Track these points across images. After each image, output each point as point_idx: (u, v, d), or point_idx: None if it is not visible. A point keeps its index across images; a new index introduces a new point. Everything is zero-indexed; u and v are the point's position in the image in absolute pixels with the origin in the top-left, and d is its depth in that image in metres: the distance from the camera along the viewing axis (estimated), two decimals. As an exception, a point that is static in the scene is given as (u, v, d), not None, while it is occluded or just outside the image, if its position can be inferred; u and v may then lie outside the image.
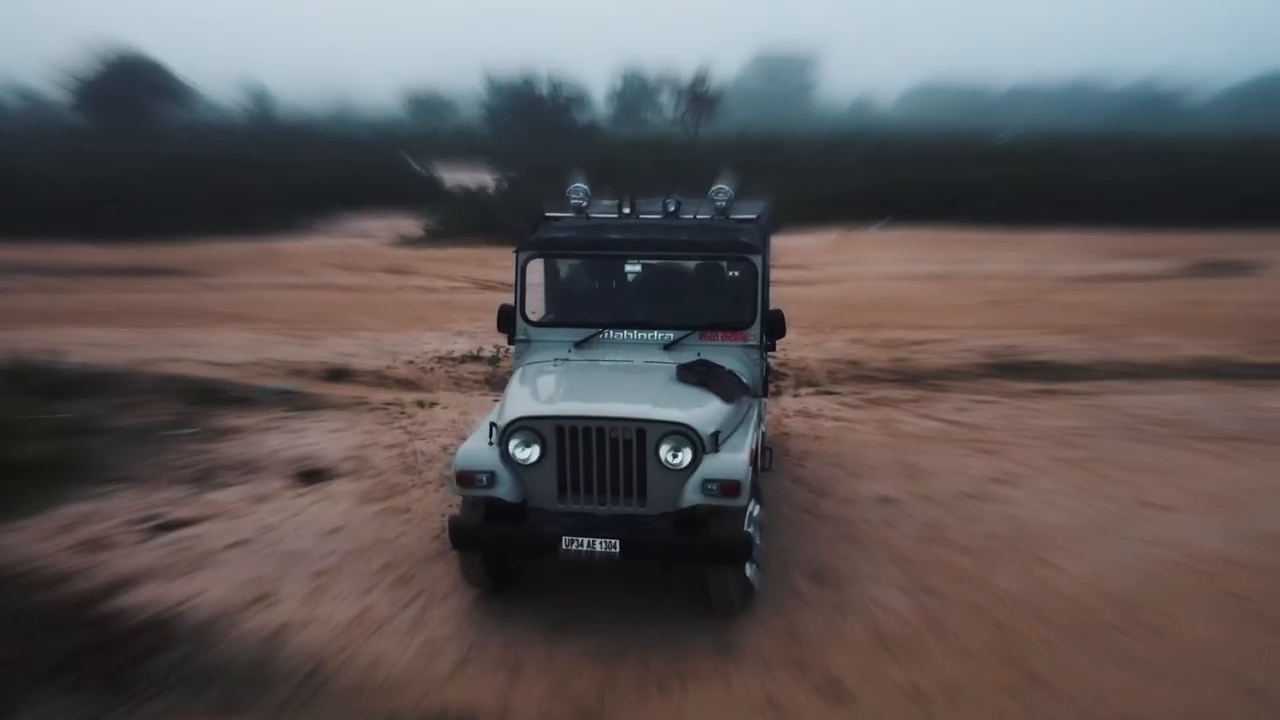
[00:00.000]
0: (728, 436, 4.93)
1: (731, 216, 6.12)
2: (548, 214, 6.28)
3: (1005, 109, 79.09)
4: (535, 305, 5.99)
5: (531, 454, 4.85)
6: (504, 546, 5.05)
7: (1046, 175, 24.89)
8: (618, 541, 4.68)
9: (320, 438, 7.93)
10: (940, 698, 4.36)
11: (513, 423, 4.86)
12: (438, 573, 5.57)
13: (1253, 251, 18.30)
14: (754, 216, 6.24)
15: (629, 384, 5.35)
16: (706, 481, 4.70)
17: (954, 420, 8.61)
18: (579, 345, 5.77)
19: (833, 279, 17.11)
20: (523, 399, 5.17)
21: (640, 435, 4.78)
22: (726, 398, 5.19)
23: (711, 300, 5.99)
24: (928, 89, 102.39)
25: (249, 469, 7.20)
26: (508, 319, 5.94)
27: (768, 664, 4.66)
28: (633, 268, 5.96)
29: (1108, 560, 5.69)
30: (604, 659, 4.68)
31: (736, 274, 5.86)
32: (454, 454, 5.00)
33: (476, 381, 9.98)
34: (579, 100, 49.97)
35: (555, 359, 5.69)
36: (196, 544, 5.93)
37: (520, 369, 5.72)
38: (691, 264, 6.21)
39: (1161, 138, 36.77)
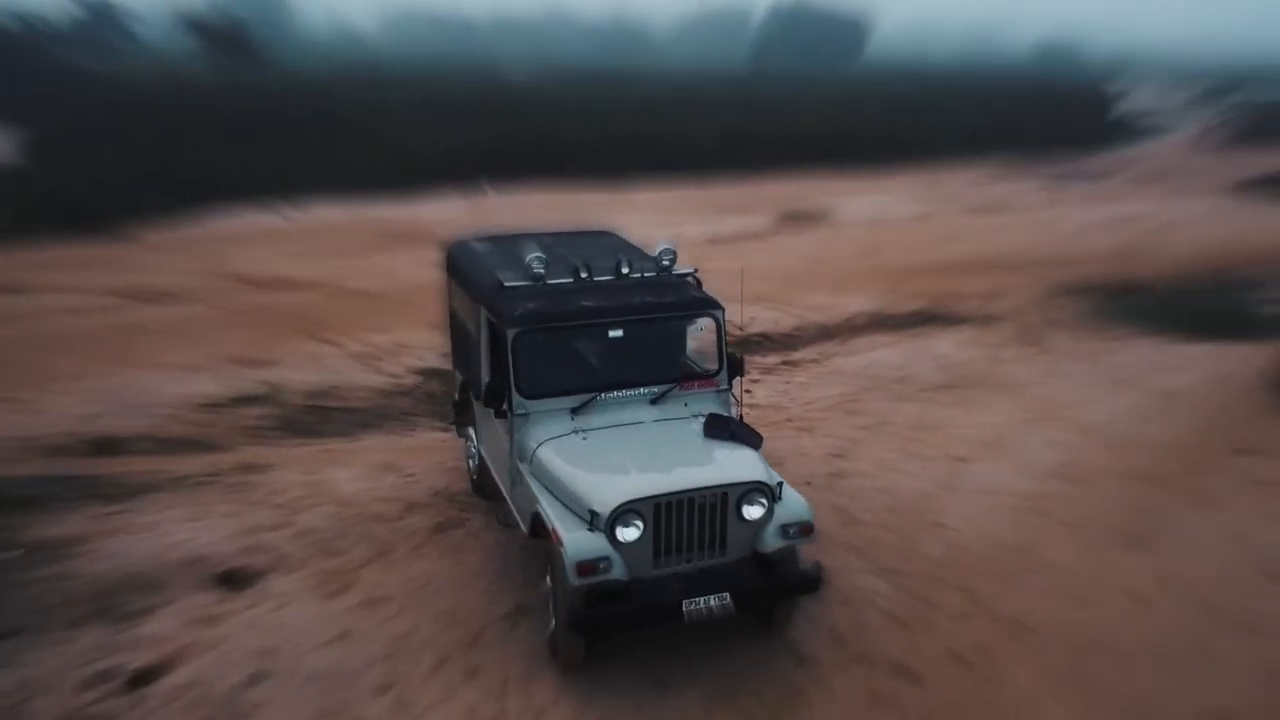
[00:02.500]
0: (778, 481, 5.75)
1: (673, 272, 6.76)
2: (505, 284, 6.37)
3: (490, 40, 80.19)
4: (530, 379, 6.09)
5: (634, 533, 5.26)
6: (634, 622, 5.41)
7: (640, 126, 26.98)
8: (728, 594, 5.33)
9: (183, 532, 7.06)
10: (976, 658, 5.73)
11: (619, 509, 5.21)
12: (498, 654, 5.70)
13: (812, 198, 22.16)
14: (691, 270, 6.92)
15: (681, 449, 5.87)
16: (785, 526, 5.52)
17: (746, 403, 10.04)
18: (575, 411, 6.09)
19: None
20: (604, 482, 5.42)
21: (723, 497, 5.43)
22: (754, 445, 5.98)
23: (681, 353, 6.63)
24: (408, 16, 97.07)
25: (148, 586, 6.30)
26: (494, 394, 6.03)
27: (842, 664, 5.67)
28: (616, 332, 6.35)
29: (973, 514, 7.49)
30: (724, 703, 5.34)
31: (702, 327, 6.55)
32: (564, 549, 5.19)
33: (274, 429, 9.28)
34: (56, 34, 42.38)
35: (575, 430, 5.95)
36: (208, 691, 5.32)
37: (548, 446, 5.84)
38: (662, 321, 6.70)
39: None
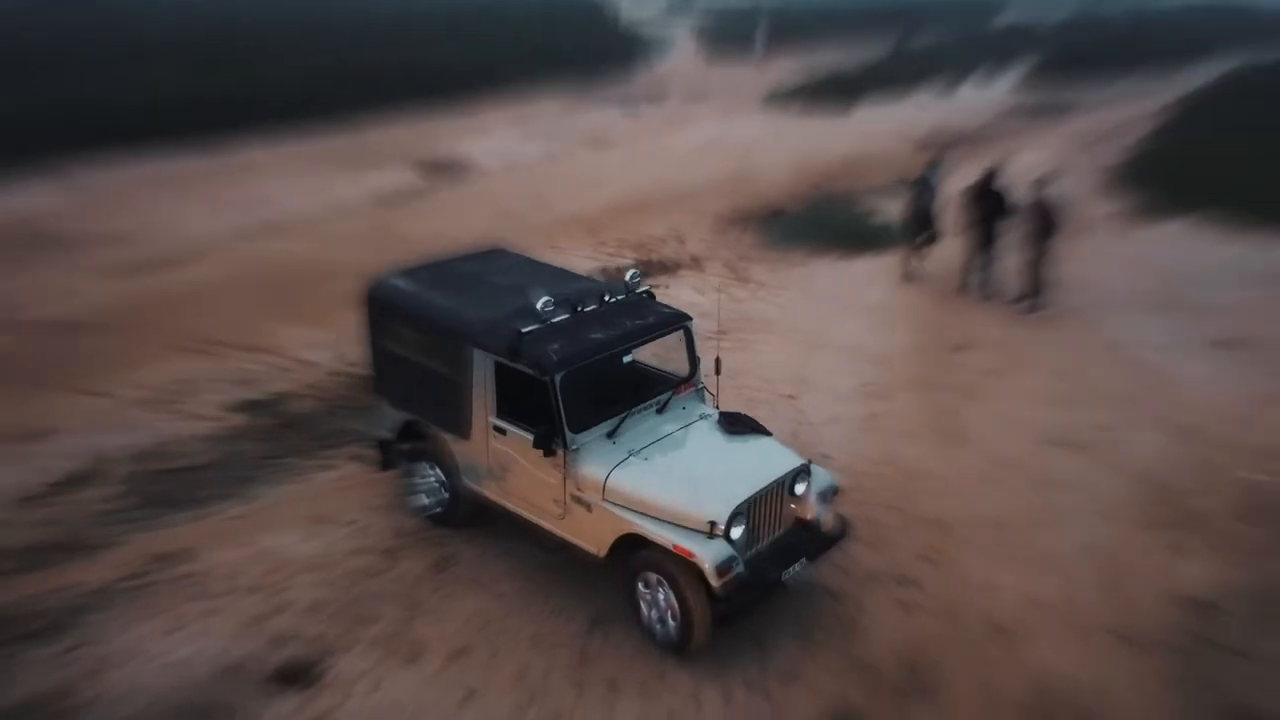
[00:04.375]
0: None
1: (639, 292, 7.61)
2: (524, 330, 6.77)
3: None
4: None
5: (741, 531, 6.33)
6: (760, 603, 6.44)
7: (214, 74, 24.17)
8: (804, 558, 6.66)
9: (181, 647, 6.45)
10: (938, 556, 7.68)
11: (733, 515, 6.22)
12: (615, 663, 6.45)
13: (432, 144, 22.07)
14: (649, 288, 7.78)
15: (731, 450, 6.87)
16: (821, 493, 6.93)
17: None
18: (611, 434, 6.85)
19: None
20: (703, 495, 6.28)
21: (782, 484, 6.69)
22: (768, 433, 7.22)
23: (663, 364, 7.54)
24: None
25: (215, 711, 5.99)
26: (545, 437, 6.54)
27: (862, 585, 7.28)
28: (629, 357, 7.09)
29: (840, 441, 9.41)
30: (814, 643, 6.71)
31: (680, 338, 7.50)
32: (703, 561, 6.07)
33: (134, 508, 8.32)
34: None
35: (629, 454, 6.67)
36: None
37: (620, 474, 6.43)
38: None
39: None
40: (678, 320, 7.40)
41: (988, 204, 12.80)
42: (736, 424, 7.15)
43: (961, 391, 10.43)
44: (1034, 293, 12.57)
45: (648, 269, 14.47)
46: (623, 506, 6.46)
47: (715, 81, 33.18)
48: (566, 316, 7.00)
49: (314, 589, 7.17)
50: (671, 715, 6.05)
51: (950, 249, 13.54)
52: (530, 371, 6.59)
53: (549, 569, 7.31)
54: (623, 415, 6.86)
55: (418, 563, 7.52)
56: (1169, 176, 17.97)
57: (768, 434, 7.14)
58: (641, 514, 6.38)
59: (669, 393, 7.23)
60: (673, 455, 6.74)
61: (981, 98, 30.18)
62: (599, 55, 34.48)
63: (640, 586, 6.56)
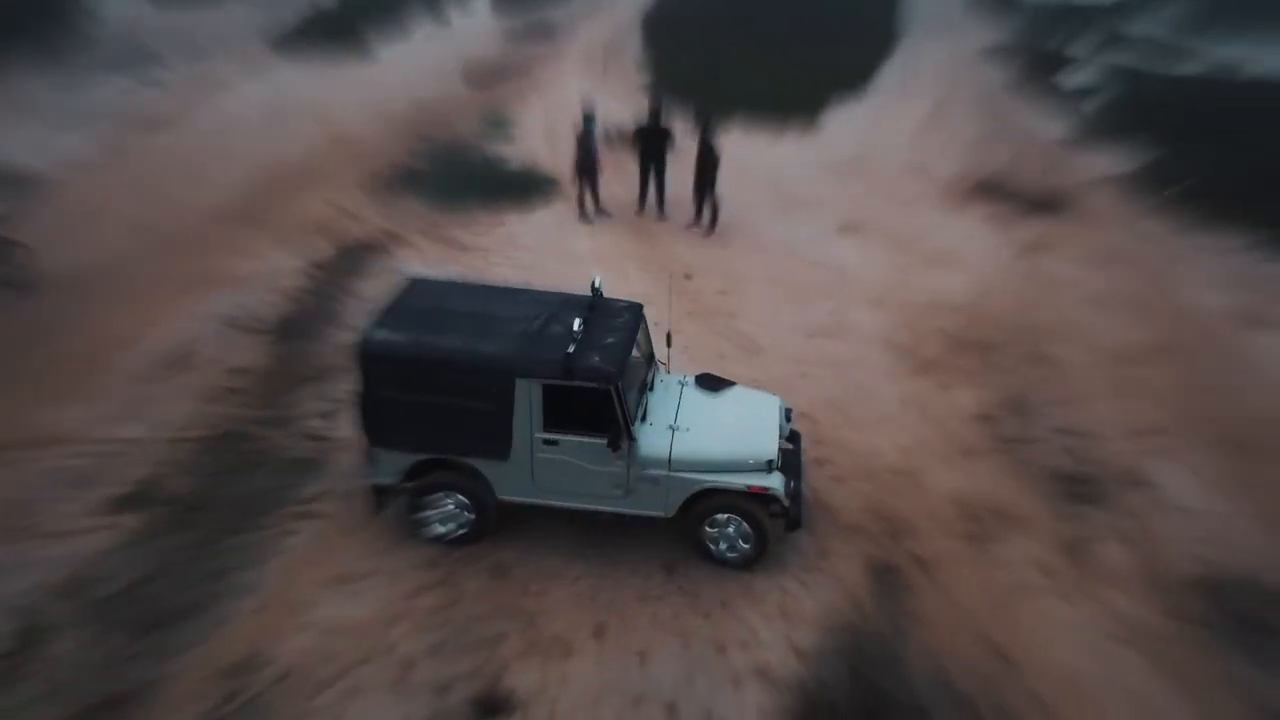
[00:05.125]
0: None
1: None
2: (570, 352, 7.82)
3: None
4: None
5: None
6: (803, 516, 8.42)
7: None
8: (799, 468, 8.85)
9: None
10: (900, 479, 10.34)
11: (778, 454, 8.20)
12: (708, 582, 8.22)
13: None
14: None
15: (730, 404, 8.60)
16: (791, 429, 9.12)
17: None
18: (643, 417, 8.34)
19: None
20: (750, 444, 8.08)
21: (786, 420, 8.79)
22: (732, 381, 9.11)
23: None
24: None
25: None
26: (615, 439, 7.85)
27: (844, 531, 9.69)
28: (635, 354, 8.41)
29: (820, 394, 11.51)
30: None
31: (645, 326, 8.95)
32: (775, 489, 7.98)
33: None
34: None
35: (670, 428, 8.18)
36: None
37: (679, 446, 8.00)
38: None
39: None
40: (639, 308, 8.86)
41: (654, 138, 15.37)
42: (713, 382, 8.95)
43: (722, 313, 12.98)
44: (708, 215, 15.39)
45: (358, 254, 14.61)
46: (689, 471, 8.03)
47: (192, 31, 30.56)
48: (579, 330, 8.11)
49: (417, 638, 7.65)
50: (781, 606, 7.98)
51: (613, 184, 15.77)
52: (590, 385, 7.72)
53: (589, 545, 8.54)
54: (644, 401, 8.30)
55: (478, 579, 8.27)
56: (697, 85, 21.57)
57: (734, 383, 9.05)
58: (706, 472, 8.02)
59: (654, 371, 8.75)
60: (700, 421, 8.38)
61: (475, 25, 31.98)
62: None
63: (707, 529, 8.23)
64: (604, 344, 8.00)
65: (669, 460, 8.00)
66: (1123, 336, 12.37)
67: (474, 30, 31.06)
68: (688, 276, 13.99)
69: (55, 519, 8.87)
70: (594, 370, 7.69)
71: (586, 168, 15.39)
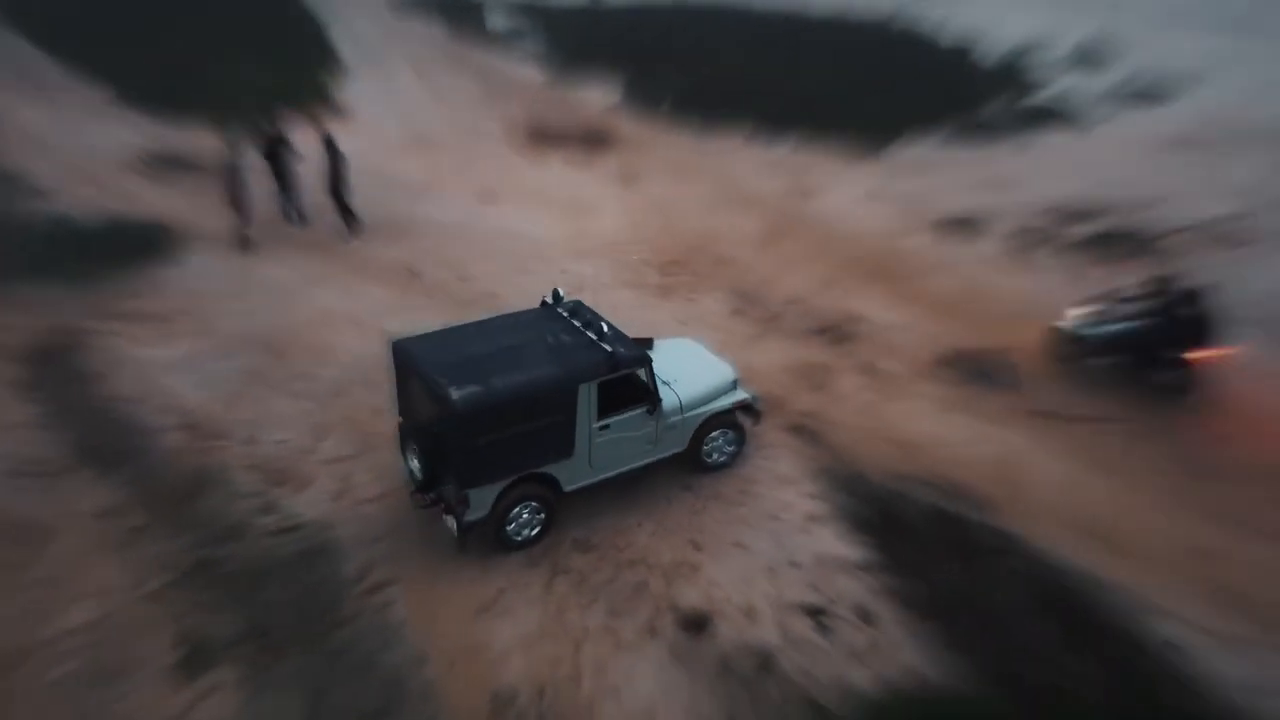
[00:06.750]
0: None
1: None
2: (611, 351, 9.68)
3: None
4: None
5: (731, 375, 11.18)
6: None
7: None
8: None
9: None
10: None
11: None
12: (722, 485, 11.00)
13: None
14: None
15: (673, 350, 10.97)
16: None
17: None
18: None
19: None
20: (717, 373, 10.72)
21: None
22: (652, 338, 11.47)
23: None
24: None
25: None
26: (653, 405, 10.04)
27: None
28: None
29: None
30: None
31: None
32: (754, 398, 10.87)
33: None
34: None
35: (666, 383, 10.46)
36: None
37: (688, 395, 10.32)
38: None
39: None
40: (581, 303, 10.77)
41: (281, 153, 15.87)
42: (645, 342, 11.24)
43: (484, 295, 14.45)
44: (349, 219, 16.26)
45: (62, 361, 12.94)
46: (695, 409, 10.54)
47: None
48: (590, 332, 9.96)
49: (589, 613, 9.16)
50: (776, 476, 11.02)
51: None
52: (633, 369, 9.77)
53: (620, 503, 10.41)
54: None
55: (576, 556, 9.78)
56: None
57: (653, 339, 11.39)
58: (704, 405, 10.60)
59: None
60: (673, 371, 10.66)
61: None
62: None
63: (704, 447, 10.84)
64: (613, 336, 9.93)
65: (682, 407, 10.36)
66: (748, 228, 16.92)
67: None
68: (414, 273, 15.14)
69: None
70: (633, 358, 9.68)
71: (237, 197, 15.22)
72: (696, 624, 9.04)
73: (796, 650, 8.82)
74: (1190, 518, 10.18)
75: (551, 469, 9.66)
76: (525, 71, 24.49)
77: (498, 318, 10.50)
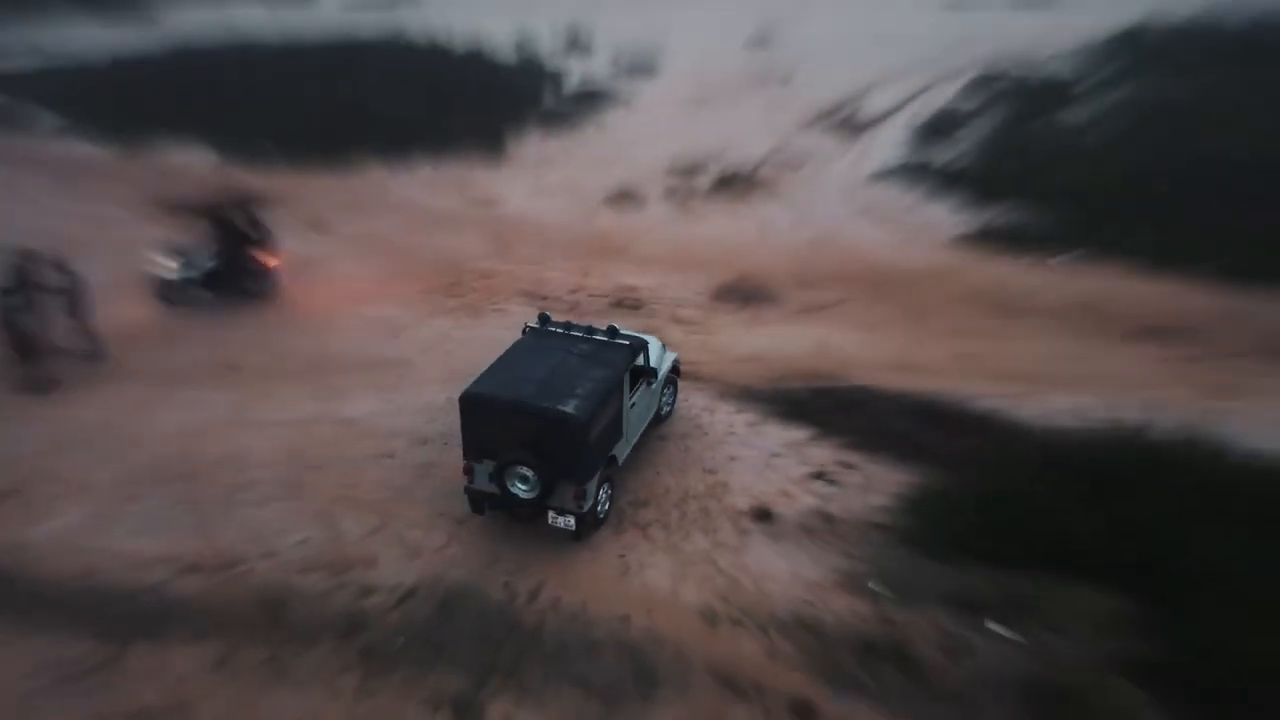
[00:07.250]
0: None
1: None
2: (626, 334, 12.07)
3: None
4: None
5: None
6: None
7: None
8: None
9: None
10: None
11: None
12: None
13: None
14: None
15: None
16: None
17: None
18: None
19: None
20: (656, 346, 13.50)
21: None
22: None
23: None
24: None
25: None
26: (652, 377, 12.70)
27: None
28: None
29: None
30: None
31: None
32: (677, 358, 13.84)
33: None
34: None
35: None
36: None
37: (663, 365, 13.02)
38: None
39: None
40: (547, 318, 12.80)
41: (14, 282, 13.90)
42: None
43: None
44: (91, 345, 14.81)
45: None
46: (660, 374, 13.27)
47: None
48: (602, 335, 12.23)
49: (694, 540, 11.82)
50: (704, 407, 14.15)
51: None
52: (643, 352, 12.32)
53: (631, 461, 12.90)
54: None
55: (639, 512, 12.01)
56: None
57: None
58: (661, 369, 13.38)
59: None
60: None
61: None
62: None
63: (663, 398, 13.62)
64: (612, 331, 12.29)
65: (660, 377, 13.06)
66: (477, 244, 19.04)
67: None
68: (233, 368, 14.93)
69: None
70: (642, 344, 12.16)
71: (19, 339, 13.56)
72: (764, 514, 11.96)
73: (830, 501, 12.26)
74: (939, 341, 15.65)
75: (615, 450, 11.77)
76: (83, 150, 22.54)
77: (512, 350, 11.95)
